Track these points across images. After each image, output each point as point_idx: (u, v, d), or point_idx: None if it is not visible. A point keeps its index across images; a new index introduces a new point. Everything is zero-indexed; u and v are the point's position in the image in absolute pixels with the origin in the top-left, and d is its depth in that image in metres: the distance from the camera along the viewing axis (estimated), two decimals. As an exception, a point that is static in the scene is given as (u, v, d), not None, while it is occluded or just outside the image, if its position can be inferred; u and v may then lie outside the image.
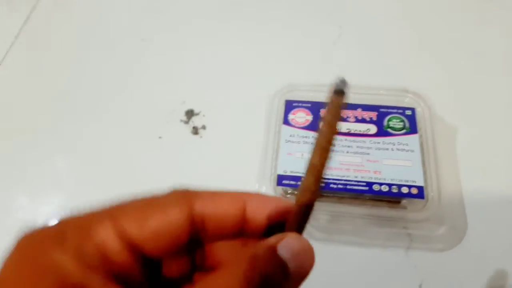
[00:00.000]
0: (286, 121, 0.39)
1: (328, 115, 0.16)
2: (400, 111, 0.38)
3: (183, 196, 0.17)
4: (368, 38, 0.49)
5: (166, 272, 0.17)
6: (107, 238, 0.14)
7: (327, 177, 0.35)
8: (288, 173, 0.36)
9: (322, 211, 0.36)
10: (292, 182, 0.36)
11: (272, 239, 0.15)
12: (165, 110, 0.45)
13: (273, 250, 0.14)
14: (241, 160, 0.41)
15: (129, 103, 0.46)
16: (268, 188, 0.36)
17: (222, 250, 0.18)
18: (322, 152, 0.16)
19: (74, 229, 0.14)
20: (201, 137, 0.42)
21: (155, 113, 0.45)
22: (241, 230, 0.18)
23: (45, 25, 0.54)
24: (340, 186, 0.35)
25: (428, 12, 0.51)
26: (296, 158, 0.37)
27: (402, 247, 0.36)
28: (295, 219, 0.16)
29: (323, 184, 0.16)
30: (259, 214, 0.17)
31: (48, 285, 0.13)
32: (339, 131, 0.16)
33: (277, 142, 0.38)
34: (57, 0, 0.57)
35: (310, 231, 0.37)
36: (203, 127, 0.43)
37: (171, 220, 0.15)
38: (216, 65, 0.48)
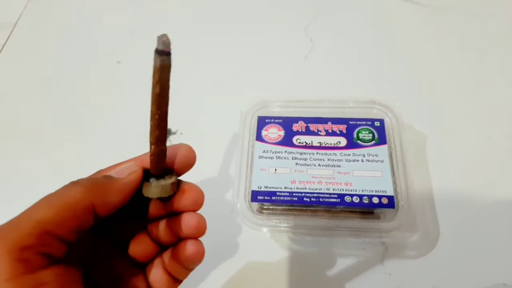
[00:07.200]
0: (259, 137, 0.40)
1: (156, 75, 0.18)
2: (369, 122, 0.39)
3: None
4: (337, 51, 0.51)
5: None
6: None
7: (300, 191, 0.36)
8: (263, 189, 0.37)
9: (297, 225, 0.36)
10: (266, 197, 0.36)
11: None
12: (142, 131, 0.45)
13: None
14: (217, 177, 0.41)
15: (105, 126, 0.47)
16: (243, 204, 0.36)
17: None
18: (158, 102, 0.19)
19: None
20: (178, 156, 0.43)
21: (132, 134, 0.45)
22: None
23: (19, 50, 0.55)
24: (313, 199, 0.35)
25: (393, 25, 0.53)
26: (269, 174, 0.37)
27: (377, 256, 0.36)
28: (153, 161, 0.21)
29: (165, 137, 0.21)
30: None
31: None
32: (169, 87, 0.19)
33: (251, 158, 0.39)
34: (32, 25, 0.57)
35: (288, 245, 0.37)
36: (181, 146, 0.44)
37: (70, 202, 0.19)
38: (190, 84, 0.49)
